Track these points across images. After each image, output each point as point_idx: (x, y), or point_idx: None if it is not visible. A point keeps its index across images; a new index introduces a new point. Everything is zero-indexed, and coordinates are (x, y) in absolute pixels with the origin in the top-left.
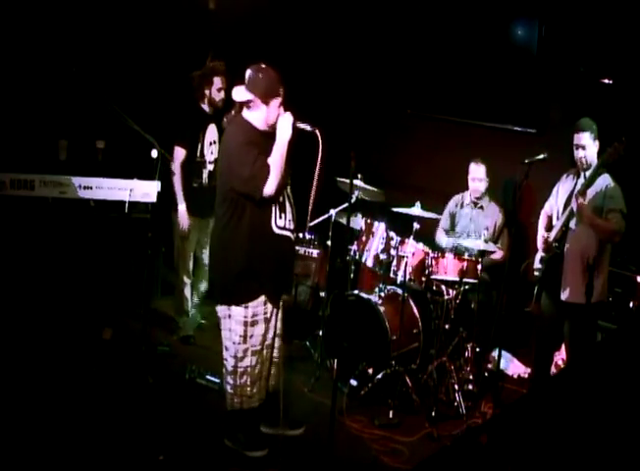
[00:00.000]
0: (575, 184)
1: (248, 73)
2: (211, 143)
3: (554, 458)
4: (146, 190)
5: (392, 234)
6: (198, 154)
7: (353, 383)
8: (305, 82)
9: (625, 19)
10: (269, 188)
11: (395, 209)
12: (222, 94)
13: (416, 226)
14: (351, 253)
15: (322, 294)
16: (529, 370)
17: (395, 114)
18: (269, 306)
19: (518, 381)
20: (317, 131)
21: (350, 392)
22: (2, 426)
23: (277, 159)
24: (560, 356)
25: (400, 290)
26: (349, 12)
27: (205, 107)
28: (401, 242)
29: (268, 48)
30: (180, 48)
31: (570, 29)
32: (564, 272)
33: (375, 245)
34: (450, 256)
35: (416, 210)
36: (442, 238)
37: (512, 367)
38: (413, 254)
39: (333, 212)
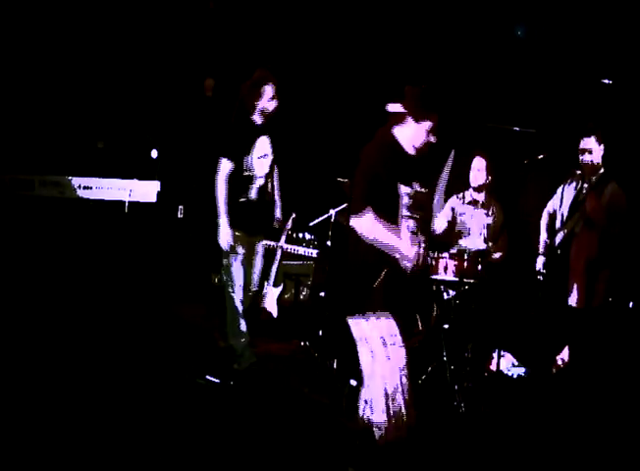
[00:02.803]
0: (580, 190)
1: (407, 89)
2: (260, 157)
3: (553, 457)
4: (146, 190)
5: None
6: (245, 168)
7: (353, 383)
8: (306, 82)
9: (625, 19)
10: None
11: None
12: (274, 103)
13: None
14: None
15: (322, 294)
16: (529, 370)
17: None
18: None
19: (518, 381)
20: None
21: (350, 392)
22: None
23: (380, 238)
24: (561, 357)
25: None
26: (345, 11)
27: (256, 119)
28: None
29: (271, 46)
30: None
31: (570, 29)
32: (569, 276)
33: None
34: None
35: None
36: (439, 223)
37: (512, 367)
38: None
39: (333, 212)
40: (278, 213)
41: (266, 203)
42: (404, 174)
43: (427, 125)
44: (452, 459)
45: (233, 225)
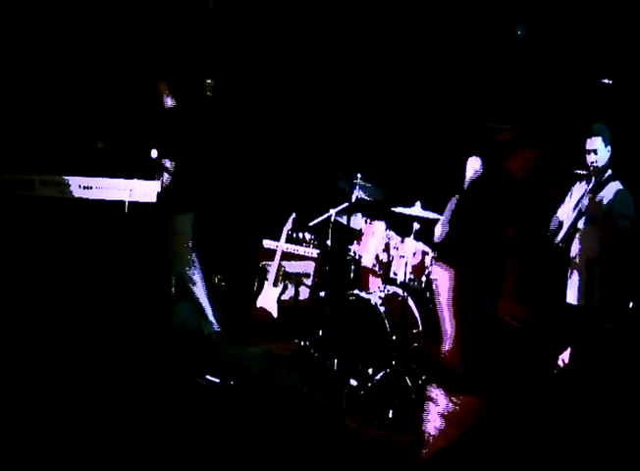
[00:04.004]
0: (586, 189)
1: (512, 115)
2: None
3: (553, 456)
4: (146, 190)
5: (392, 233)
6: None
7: (353, 383)
8: (306, 81)
9: (625, 19)
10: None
11: (395, 209)
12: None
13: (416, 226)
14: (351, 253)
15: (322, 294)
16: (529, 370)
17: (396, 114)
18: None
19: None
20: None
21: (350, 392)
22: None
23: (441, 295)
24: (561, 356)
25: (400, 290)
26: (345, 11)
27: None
28: (401, 242)
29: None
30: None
31: (570, 29)
32: (571, 273)
33: (375, 245)
34: None
35: (416, 210)
36: (437, 231)
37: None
38: (414, 254)
39: (333, 212)
40: None
41: (171, 184)
42: (517, 214)
43: (536, 150)
44: (453, 459)
45: None
